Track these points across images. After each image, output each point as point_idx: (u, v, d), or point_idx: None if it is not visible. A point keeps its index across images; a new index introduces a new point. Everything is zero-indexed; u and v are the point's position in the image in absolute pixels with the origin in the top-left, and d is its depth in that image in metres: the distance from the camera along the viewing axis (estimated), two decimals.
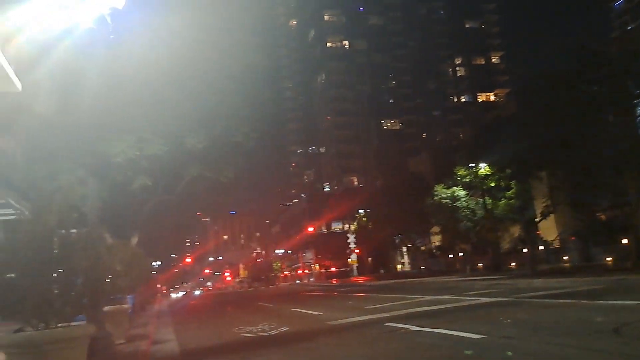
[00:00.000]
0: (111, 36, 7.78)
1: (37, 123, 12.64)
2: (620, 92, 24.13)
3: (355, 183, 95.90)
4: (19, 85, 10.24)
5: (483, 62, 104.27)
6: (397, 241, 58.40)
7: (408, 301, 15.61)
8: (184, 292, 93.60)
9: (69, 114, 10.09)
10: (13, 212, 9.41)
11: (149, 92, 11.38)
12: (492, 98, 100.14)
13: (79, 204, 9.96)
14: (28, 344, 4.58)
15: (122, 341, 11.11)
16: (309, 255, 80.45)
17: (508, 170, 32.89)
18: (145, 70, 10.89)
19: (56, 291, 4.96)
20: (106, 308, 10.16)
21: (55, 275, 4.98)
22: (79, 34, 7.56)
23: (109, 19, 7.60)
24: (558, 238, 36.88)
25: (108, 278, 6.54)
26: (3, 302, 4.82)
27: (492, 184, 34.22)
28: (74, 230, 5.55)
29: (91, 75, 8.17)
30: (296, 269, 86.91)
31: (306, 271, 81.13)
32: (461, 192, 35.94)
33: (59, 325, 4.91)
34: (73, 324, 5.08)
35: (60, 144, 11.06)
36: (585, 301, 11.32)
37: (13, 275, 4.88)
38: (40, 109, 11.73)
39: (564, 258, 34.98)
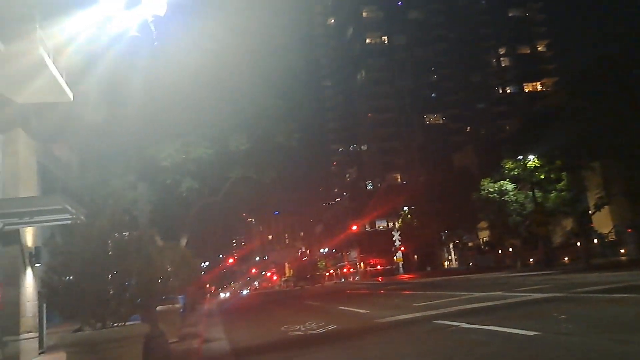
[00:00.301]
0: (155, 43, 8.00)
1: (89, 131, 13.20)
2: None
3: (399, 180, 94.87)
4: (70, 95, 10.73)
5: (528, 51, 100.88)
6: (443, 238, 57.51)
7: (457, 298, 15.32)
8: (231, 292, 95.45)
9: (117, 121, 10.49)
10: (69, 216, 9.84)
11: (191, 97, 11.68)
12: (539, 88, 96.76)
13: (130, 208, 10.32)
14: (87, 343, 4.75)
15: (174, 340, 11.41)
16: (354, 253, 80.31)
17: (558, 162, 31.82)
18: (187, 75, 11.18)
19: (111, 292, 5.13)
20: (159, 308, 10.45)
21: (110, 276, 5.15)
22: (124, 43, 7.80)
23: (152, 27, 7.81)
24: (613, 230, 35.31)
25: (160, 279, 6.74)
26: (63, 303, 5.03)
27: (542, 176, 33.22)
28: (126, 233, 5.71)
29: (136, 82, 8.42)
30: (341, 267, 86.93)
31: (351, 269, 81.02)
32: (509, 186, 35.05)
33: (115, 324, 5.08)
34: (128, 323, 5.25)
35: (111, 150, 11.52)
36: None
37: (72, 277, 5.08)
38: (90, 117, 12.24)
39: (621, 251, 33.47)
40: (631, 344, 5.96)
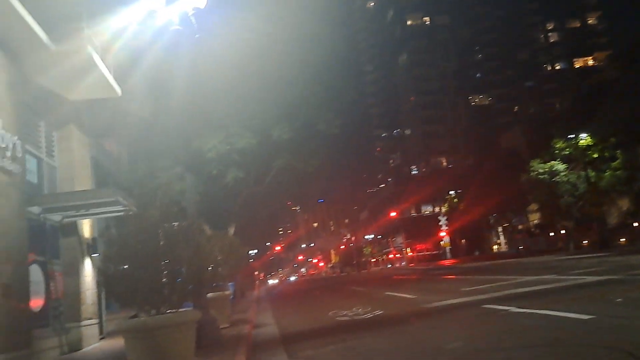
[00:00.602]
0: (196, 35, 8.15)
1: (137, 125, 13.64)
2: None
3: (444, 164, 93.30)
4: (118, 90, 11.11)
5: (579, 25, 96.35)
6: (491, 221, 56.26)
7: (507, 282, 15.00)
8: (280, 278, 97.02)
9: (163, 115, 10.78)
10: (122, 208, 10.24)
11: (233, 88, 11.85)
12: (590, 63, 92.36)
13: (178, 199, 10.63)
14: (143, 328, 4.96)
15: (225, 325, 11.73)
16: (399, 239, 79.83)
17: (612, 139, 30.47)
18: (228, 66, 11.34)
19: (164, 280, 5.31)
20: (209, 295, 10.77)
21: (162, 265, 5.34)
22: (167, 37, 7.99)
23: (193, 20, 7.95)
24: None
25: (209, 267, 6.94)
26: (119, 291, 5.26)
27: (595, 155, 31.94)
28: (175, 223, 5.88)
29: (180, 75, 8.62)
30: (387, 253, 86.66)
31: (397, 255, 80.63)
32: (560, 166, 33.86)
33: (169, 311, 5.28)
34: (181, 310, 5.44)
35: (159, 143, 11.87)
36: None
37: (126, 266, 5.29)
38: (138, 112, 12.65)
39: None
40: None
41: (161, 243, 5.40)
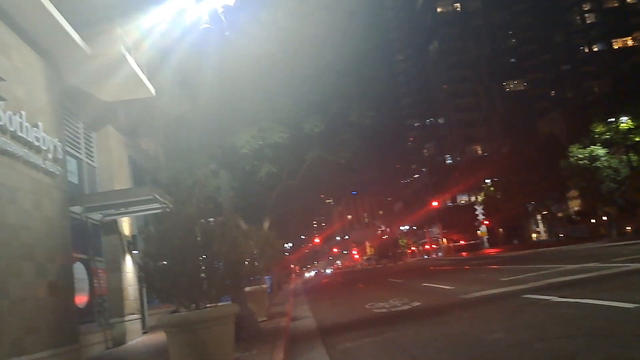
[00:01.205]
0: (226, 33, 8.20)
1: (171, 123, 13.89)
2: None
3: (480, 152, 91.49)
4: (152, 89, 11.32)
5: (616, 4, 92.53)
6: (530, 209, 54.95)
7: (547, 271, 14.64)
8: (315, 271, 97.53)
9: (197, 112, 10.92)
10: (159, 206, 10.47)
11: (263, 84, 11.89)
12: (629, 43, 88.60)
13: (214, 195, 10.78)
14: (183, 323, 5.05)
15: (264, 318, 11.87)
16: (436, 229, 78.96)
17: None
18: (258, 62, 11.37)
19: (202, 275, 5.40)
20: (247, 289, 10.91)
21: (200, 260, 5.42)
22: (197, 35, 8.07)
23: (222, 17, 8.00)
24: None
25: (246, 261, 7.01)
26: (159, 286, 5.37)
27: (637, 139, 30.75)
28: (212, 219, 5.96)
29: (211, 72, 8.70)
30: (423, 244, 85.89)
31: (433, 246, 79.81)
32: (600, 151, 32.77)
33: (208, 305, 5.37)
34: (220, 304, 5.52)
35: (193, 141, 12.04)
36: None
37: (165, 262, 5.40)
38: (172, 110, 12.87)
39: None
40: None
41: (198, 239, 5.49)
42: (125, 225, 12.28)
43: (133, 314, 11.71)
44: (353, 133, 15.15)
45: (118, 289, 11.39)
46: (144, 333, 12.40)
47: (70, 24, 8.73)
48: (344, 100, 13.41)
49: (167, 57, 11.75)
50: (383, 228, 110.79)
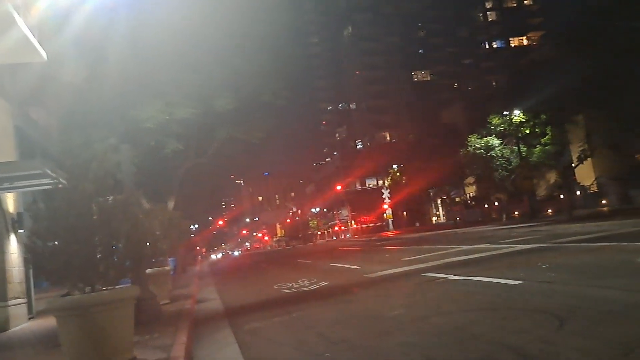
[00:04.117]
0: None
1: (68, 93, 12.80)
2: None
3: (388, 138, 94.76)
4: (44, 54, 10.32)
5: (515, 5, 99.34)
6: (431, 194, 58.07)
7: (444, 252, 15.55)
8: (222, 253, 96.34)
9: (97, 82, 10.14)
10: (50, 181, 9.62)
11: (174, 56, 11.32)
12: (525, 42, 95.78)
13: (114, 171, 10.13)
14: (76, 307, 4.73)
15: (166, 301, 11.49)
16: (345, 212, 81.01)
17: (543, 116, 31.97)
18: (170, 32, 10.79)
19: (99, 255, 5.07)
20: (149, 271, 10.46)
21: (97, 240, 5.08)
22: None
23: None
24: (595, 182, 35.90)
25: (148, 241, 6.68)
26: (49, 268, 4.96)
27: (527, 131, 33.43)
28: (111, 197, 5.60)
29: (116, 41, 8.11)
30: (332, 226, 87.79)
31: (342, 228, 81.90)
32: (495, 142, 35.29)
33: (105, 288, 5.05)
34: (118, 286, 5.22)
35: (92, 112, 11.20)
36: (625, 243, 10.99)
37: (57, 242, 4.99)
38: (69, 78, 11.83)
39: (602, 202, 34.13)
40: (611, 290, 6.08)
41: (95, 217, 5.13)
42: (10, 201, 11.17)
43: (17, 297, 10.77)
44: (266, 113, 14.98)
45: (0, 270, 10.39)
46: (30, 318, 11.50)
47: None
48: (259, 79, 13.18)
49: (68, 20, 10.75)
50: (294, 210, 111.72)
